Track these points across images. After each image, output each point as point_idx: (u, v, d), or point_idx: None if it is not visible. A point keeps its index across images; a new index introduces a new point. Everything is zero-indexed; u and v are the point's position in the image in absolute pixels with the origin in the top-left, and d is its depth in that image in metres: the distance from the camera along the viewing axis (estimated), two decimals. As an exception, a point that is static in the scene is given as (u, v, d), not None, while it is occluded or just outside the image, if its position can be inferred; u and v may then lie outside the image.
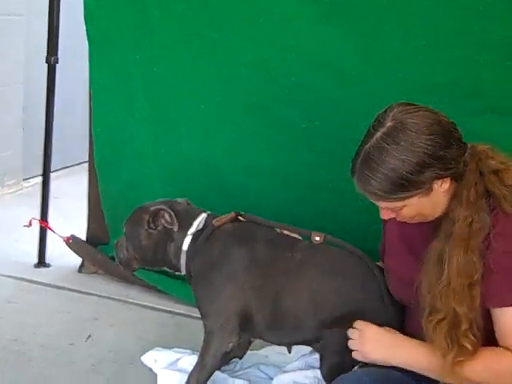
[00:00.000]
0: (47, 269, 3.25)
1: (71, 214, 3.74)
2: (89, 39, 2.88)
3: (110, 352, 2.45)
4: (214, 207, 2.20)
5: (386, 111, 1.56)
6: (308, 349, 2.14)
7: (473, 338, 1.49)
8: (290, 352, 2.10)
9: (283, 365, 2.21)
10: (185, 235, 2.06)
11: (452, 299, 1.50)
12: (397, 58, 2.35)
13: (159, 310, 2.84)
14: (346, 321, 1.83)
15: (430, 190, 1.53)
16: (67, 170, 5.09)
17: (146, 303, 2.89)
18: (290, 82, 2.53)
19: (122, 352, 2.45)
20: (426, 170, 1.49)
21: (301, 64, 2.50)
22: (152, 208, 2.08)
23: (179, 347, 2.37)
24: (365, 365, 1.70)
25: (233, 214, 2.07)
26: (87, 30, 2.87)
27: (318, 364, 1.97)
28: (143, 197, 2.89)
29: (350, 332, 1.74)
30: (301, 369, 2.12)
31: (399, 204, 1.55)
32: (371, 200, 1.60)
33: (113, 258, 3.02)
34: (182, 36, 2.69)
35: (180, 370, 2.19)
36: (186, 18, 2.65)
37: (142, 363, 2.30)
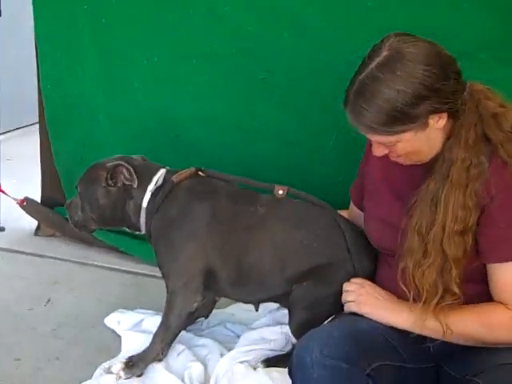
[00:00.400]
0: (1, 233, 3.15)
1: (25, 176, 3.61)
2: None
3: (71, 316, 2.39)
4: (171, 163, 2.12)
5: (382, 41, 1.48)
6: (275, 305, 2.12)
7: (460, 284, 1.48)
8: (257, 310, 2.06)
9: (250, 322, 2.18)
10: (144, 192, 1.99)
11: (446, 244, 1.47)
12: (351, 5, 2.26)
13: (120, 271, 2.77)
14: (313, 274, 1.81)
15: (426, 125, 1.47)
16: (20, 131, 4.92)
17: (106, 264, 2.82)
18: (245, 32, 2.42)
19: (84, 315, 2.39)
20: (422, 102, 1.42)
21: (256, 12, 2.39)
22: (109, 164, 2.00)
23: (142, 308, 2.33)
24: (333, 320, 1.67)
25: (193, 170, 2.01)
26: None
27: (285, 320, 1.96)
28: (98, 155, 2.78)
29: (347, 284, 1.72)
30: (268, 325, 2.10)
31: (393, 138, 1.49)
32: (364, 133, 1.53)
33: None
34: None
35: (144, 332, 2.16)
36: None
37: (105, 326, 2.28)
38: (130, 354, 2.00)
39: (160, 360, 1.98)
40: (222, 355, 2.01)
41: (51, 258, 2.88)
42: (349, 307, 1.68)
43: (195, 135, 2.60)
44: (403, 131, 1.47)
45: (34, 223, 3.12)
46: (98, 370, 1.99)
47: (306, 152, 2.49)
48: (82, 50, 2.72)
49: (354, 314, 1.67)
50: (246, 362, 1.91)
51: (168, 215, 1.96)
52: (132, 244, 2.80)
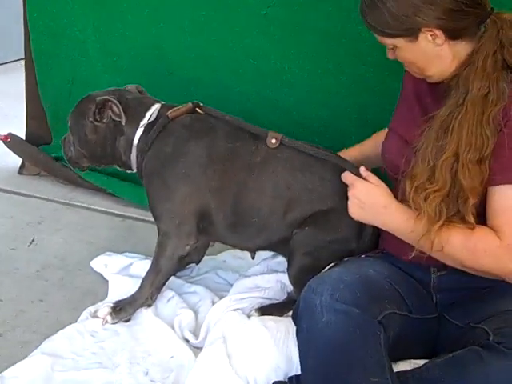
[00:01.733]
0: (-16, 170, 3.04)
1: (9, 113, 3.48)
2: None
3: (56, 257, 2.30)
4: (163, 100, 2.00)
5: None
6: (270, 253, 2.05)
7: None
8: (253, 258, 2.00)
9: (242, 270, 2.12)
10: (136, 127, 1.89)
11: (461, 174, 1.42)
12: None
13: (108, 213, 2.68)
14: (315, 220, 1.74)
15: (416, 37, 1.46)
16: (3, 66, 4.74)
17: (94, 206, 2.72)
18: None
19: (69, 257, 2.30)
20: (413, 11, 1.42)
21: None
22: (98, 98, 1.88)
23: (131, 252, 2.26)
24: (335, 265, 1.61)
25: (190, 105, 1.90)
26: None
27: (280, 268, 1.89)
28: (86, 90, 2.65)
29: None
30: (263, 273, 2.03)
31: (389, 41, 1.51)
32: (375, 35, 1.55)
33: (56, 159, 2.86)
34: None
35: (132, 276, 2.10)
36: None
37: (92, 269, 2.20)
38: (118, 299, 1.93)
39: (149, 305, 1.91)
40: (213, 303, 1.95)
41: (36, 197, 2.78)
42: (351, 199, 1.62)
43: (190, 73, 2.48)
44: (393, 36, 1.49)
45: (18, 161, 3.01)
46: (84, 314, 1.93)
47: (305, 93, 2.37)
48: (71, -22, 2.57)
49: (358, 260, 1.63)
50: (240, 309, 1.85)
51: (161, 153, 1.86)
52: (121, 186, 2.72)
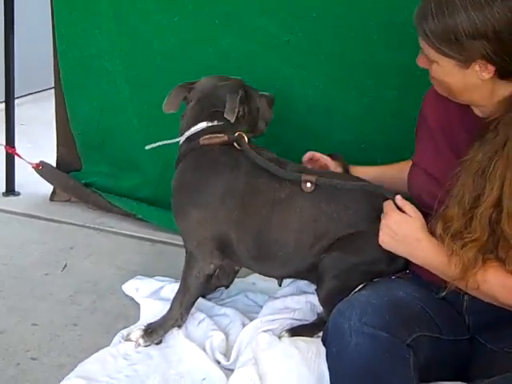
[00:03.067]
0: (17, 197, 3.11)
1: (40, 141, 3.57)
2: None
3: (88, 282, 2.34)
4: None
5: None
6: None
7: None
8: (280, 285, 2.01)
9: (271, 292, 2.13)
10: (182, 134, 1.97)
11: (506, 224, 1.38)
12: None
13: (138, 238, 2.72)
14: (343, 243, 1.74)
15: (467, 65, 1.42)
16: (33, 96, 4.85)
17: (123, 231, 2.77)
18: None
19: (101, 282, 2.34)
20: (480, 41, 1.37)
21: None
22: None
23: (161, 275, 2.29)
24: (365, 286, 1.62)
25: (224, 138, 1.88)
26: None
27: (310, 289, 1.89)
28: (115, 119, 2.77)
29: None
30: (292, 294, 2.04)
31: (434, 55, 1.46)
32: (419, 37, 1.48)
33: (86, 185, 2.92)
34: None
35: (163, 299, 2.12)
36: None
37: (123, 293, 2.23)
38: (149, 321, 1.95)
39: (179, 326, 1.94)
40: (243, 325, 1.96)
41: (67, 223, 2.83)
42: (382, 233, 1.60)
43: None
44: (445, 55, 1.43)
45: (49, 188, 3.07)
46: (117, 337, 1.95)
47: (329, 116, 2.41)
48: (99, 10, 2.65)
49: (387, 282, 1.62)
50: (270, 331, 1.85)
51: (182, 176, 1.91)
52: (150, 211, 2.76)
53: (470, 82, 1.45)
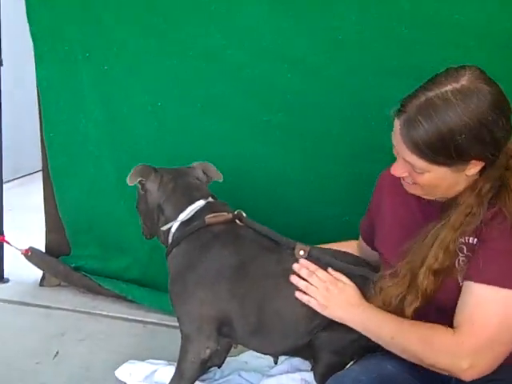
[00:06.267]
0: (6, 284, 3.10)
1: (28, 226, 3.58)
2: (33, 38, 2.72)
3: (81, 368, 2.32)
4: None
5: (462, 68, 1.42)
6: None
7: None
8: (275, 363, 2.00)
9: (264, 370, 2.12)
10: (175, 218, 1.97)
11: (420, 279, 1.50)
12: (354, 45, 2.27)
13: (130, 320, 2.71)
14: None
15: (464, 168, 1.43)
16: (20, 180, 4.90)
17: (115, 314, 2.76)
18: (248, 74, 2.43)
19: (94, 367, 2.32)
20: (479, 145, 1.39)
21: (258, 54, 2.40)
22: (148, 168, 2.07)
23: (154, 358, 2.27)
24: (356, 362, 1.62)
25: (229, 216, 1.93)
26: (31, 29, 2.71)
27: (303, 366, 1.88)
28: (103, 202, 2.80)
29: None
30: (287, 372, 2.03)
31: (426, 166, 1.43)
32: (401, 149, 1.45)
33: (75, 269, 2.92)
34: (131, 31, 2.56)
35: (157, 383, 2.09)
36: (135, 11, 2.53)
37: (117, 378, 2.20)
38: (144, 408, 1.94)
39: (175, 413, 1.91)
40: (238, 405, 1.95)
41: (58, 308, 2.82)
42: (314, 305, 1.71)
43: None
44: (443, 164, 1.43)
45: (38, 274, 3.07)
46: (113, 427, 1.93)
47: (311, 193, 2.47)
48: (84, 97, 2.72)
49: (377, 356, 1.63)
50: (267, 410, 1.85)
51: (187, 255, 1.91)
52: (140, 292, 2.77)
53: (458, 179, 1.47)
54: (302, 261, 1.77)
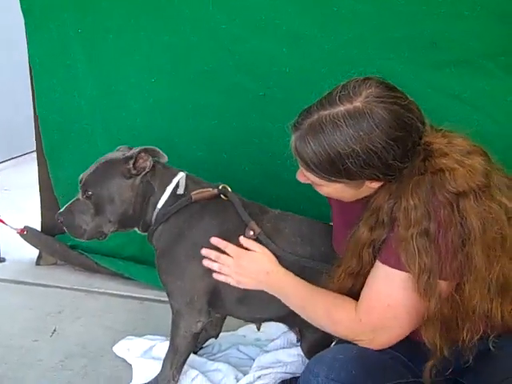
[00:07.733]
0: (2, 264, 3.10)
1: (24, 206, 3.57)
2: (24, 15, 2.68)
3: (78, 345, 2.33)
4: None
5: (360, 86, 1.40)
6: (288, 325, 2.06)
7: None
8: (258, 329, 2.01)
9: (262, 344, 2.13)
10: (163, 191, 1.93)
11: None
12: (349, 17, 2.24)
13: (127, 297, 2.72)
14: None
15: (361, 185, 1.45)
16: (14, 160, 4.88)
17: (112, 291, 2.77)
18: (243, 48, 2.40)
19: (92, 344, 2.33)
20: (369, 169, 1.39)
21: (249, 29, 2.37)
22: (132, 153, 1.91)
23: (151, 334, 2.28)
24: (339, 341, 1.60)
25: (215, 192, 1.92)
26: (21, 5, 2.67)
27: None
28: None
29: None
30: (284, 347, 2.04)
31: (321, 182, 1.47)
32: (298, 162, 1.49)
33: (72, 247, 2.91)
34: (123, 6, 2.53)
35: (155, 358, 2.12)
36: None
37: (114, 354, 2.22)
38: (142, 382, 1.95)
39: (173, 386, 1.93)
40: (237, 379, 1.96)
41: (54, 287, 2.82)
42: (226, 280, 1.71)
43: (195, 154, 2.57)
44: (336, 182, 1.45)
45: (35, 253, 3.07)
46: (110, 401, 1.94)
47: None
48: (77, 74, 2.69)
49: None
50: (263, 385, 1.85)
51: (176, 229, 1.90)
52: (137, 269, 2.76)
53: (360, 191, 1.49)
54: (214, 239, 1.74)
